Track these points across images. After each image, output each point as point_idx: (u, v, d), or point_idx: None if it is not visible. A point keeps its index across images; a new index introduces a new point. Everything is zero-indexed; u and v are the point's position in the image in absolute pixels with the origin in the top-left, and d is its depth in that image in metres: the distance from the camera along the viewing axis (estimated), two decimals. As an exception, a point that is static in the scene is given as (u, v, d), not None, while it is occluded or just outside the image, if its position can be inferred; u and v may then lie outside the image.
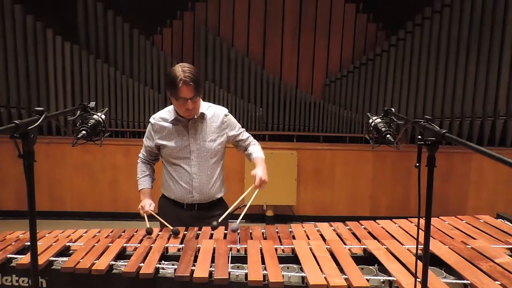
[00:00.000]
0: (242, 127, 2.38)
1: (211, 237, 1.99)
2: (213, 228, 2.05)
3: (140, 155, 2.37)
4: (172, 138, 2.20)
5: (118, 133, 4.72)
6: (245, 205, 2.10)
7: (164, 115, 2.23)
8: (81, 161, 4.70)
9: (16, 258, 1.74)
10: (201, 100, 2.20)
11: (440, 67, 4.58)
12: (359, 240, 1.92)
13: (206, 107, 2.23)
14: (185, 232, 2.07)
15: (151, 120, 2.26)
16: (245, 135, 2.36)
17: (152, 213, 2.17)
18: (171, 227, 2.06)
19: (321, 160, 4.76)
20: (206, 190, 2.23)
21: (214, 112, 2.24)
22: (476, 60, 4.55)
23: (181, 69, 2.02)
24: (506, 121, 4.64)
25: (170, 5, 4.67)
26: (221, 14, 4.67)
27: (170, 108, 2.23)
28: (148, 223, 2.10)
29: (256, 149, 2.34)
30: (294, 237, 1.99)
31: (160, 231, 2.10)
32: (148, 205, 2.19)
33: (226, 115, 2.27)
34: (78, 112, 1.67)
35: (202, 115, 2.19)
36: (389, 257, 1.69)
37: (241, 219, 2.05)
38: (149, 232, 2.04)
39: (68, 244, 1.90)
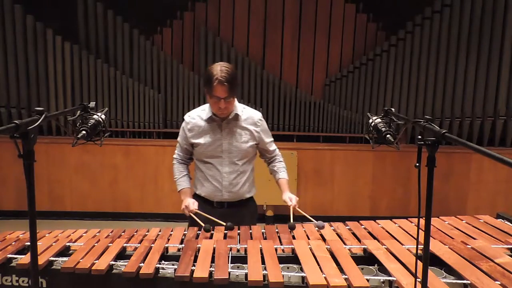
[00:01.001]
0: None
1: (211, 237, 1.99)
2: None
3: (175, 155, 2.38)
4: (205, 136, 2.22)
5: (118, 133, 4.72)
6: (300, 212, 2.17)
7: (200, 113, 2.26)
8: (81, 161, 4.70)
9: (16, 258, 1.74)
10: (236, 101, 2.22)
11: (440, 67, 4.58)
12: (359, 240, 1.92)
13: (241, 109, 2.25)
14: (185, 232, 2.07)
15: (186, 118, 2.28)
16: (273, 146, 2.38)
17: (198, 211, 2.16)
18: (223, 223, 2.05)
19: (321, 160, 4.76)
20: (235, 190, 2.25)
21: (249, 114, 2.26)
22: (476, 60, 4.55)
23: (219, 68, 2.04)
24: (506, 121, 4.64)
25: (170, 5, 4.67)
26: (221, 14, 4.67)
27: (206, 106, 2.24)
28: (200, 222, 2.09)
29: (281, 169, 2.36)
30: (294, 237, 1.99)
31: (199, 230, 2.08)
32: (192, 203, 2.20)
33: (260, 120, 2.29)
34: (78, 112, 1.67)
35: (236, 116, 2.21)
36: (389, 257, 1.69)
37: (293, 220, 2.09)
38: (207, 229, 2.01)
39: (68, 244, 1.90)
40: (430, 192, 1.22)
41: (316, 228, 2.02)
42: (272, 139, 2.39)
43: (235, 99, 2.21)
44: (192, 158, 2.38)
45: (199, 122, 2.23)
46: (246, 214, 2.31)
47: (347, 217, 4.37)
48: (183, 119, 2.30)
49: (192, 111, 2.32)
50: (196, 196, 2.34)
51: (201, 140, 2.22)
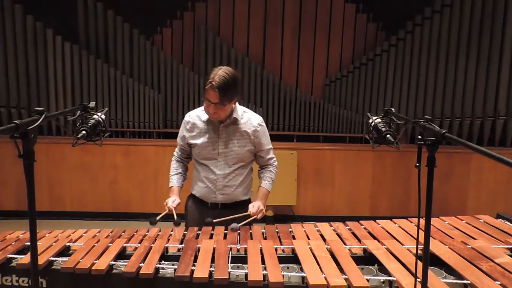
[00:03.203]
0: None
1: (211, 237, 1.99)
2: (207, 224, 2.07)
3: (174, 153, 2.40)
4: (202, 137, 2.22)
5: (118, 133, 4.72)
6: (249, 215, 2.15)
7: (199, 114, 2.25)
8: (81, 161, 4.69)
9: (16, 258, 1.74)
10: (237, 104, 2.20)
11: (440, 67, 4.58)
12: (359, 240, 1.92)
13: (241, 112, 2.23)
14: (185, 232, 2.06)
15: (186, 117, 2.28)
16: (270, 154, 2.33)
17: (172, 208, 2.16)
18: (177, 220, 2.07)
19: (321, 160, 4.76)
20: (229, 192, 2.24)
21: (248, 119, 2.24)
22: (476, 60, 4.54)
23: (218, 72, 2.03)
24: (506, 121, 4.64)
25: (170, 5, 4.67)
26: (221, 14, 4.67)
27: None
28: (175, 216, 2.11)
29: (267, 178, 2.32)
30: (294, 237, 1.99)
31: (186, 230, 2.10)
32: (171, 201, 2.19)
33: (260, 125, 2.26)
34: (78, 112, 1.67)
35: (235, 120, 2.19)
36: (389, 257, 1.69)
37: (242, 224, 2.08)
38: (177, 223, 2.05)
39: (68, 244, 1.90)
40: (430, 192, 1.22)
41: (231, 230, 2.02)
42: (271, 147, 2.34)
43: (234, 104, 2.18)
44: (191, 157, 2.38)
45: (198, 123, 2.23)
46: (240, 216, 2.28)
47: (347, 217, 4.36)
48: (183, 119, 2.30)
49: (193, 111, 2.31)
50: (192, 197, 2.34)
51: (198, 141, 2.22)
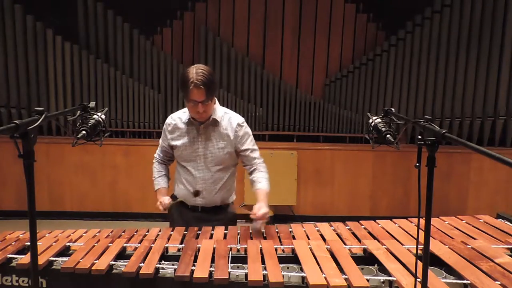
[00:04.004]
0: None
1: (211, 237, 1.99)
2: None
3: (155, 155, 2.38)
4: (183, 139, 2.20)
5: (118, 133, 4.72)
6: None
7: (181, 115, 2.24)
8: (81, 161, 4.70)
9: (16, 258, 1.74)
10: (217, 105, 2.18)
11: (440, 67, 4.58)
12: (359, 240, 1.92)
13: (222, 113, 2.20)
14: (185, 232, 2.07)
15: (168, 119, 2.27)
16: (254, 154, 2.24)
17: (171, 201, 2.22)
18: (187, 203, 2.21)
19: (321, 160, 4.76)
20: (209, 196, 2.22)
21: (228, 120, 2.20)
22: (476, 60, 4.54)
23: (195, 71, 2.00)
24: (506, 121, 4.64)
25: (170, 5, 4.67)
26: (221, 14, 4.67)
27: (187, 108, 2.20)
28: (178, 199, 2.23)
29: (261, 179, 2.20)
30: (294, 237, 1.99)
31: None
32: (166, 199, 2.21)
33: (240, 125, 2.20)
34: (78, 112, 1.67)
35: (215, 121, 2.16)
36: (389, 257, 1.69)
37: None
38: (174, 197, 2.14)
39: (68, 244, 1.90)
40: (430, 192, 1.22)
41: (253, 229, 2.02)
42: (255, 148, 2.25)
43: (216, 103, 2.17)
44: (172, 159, 2.37)
45: (179, 124, 2.21)
46: (221, 220, 2.24)
47: (347, 217, 4.36)
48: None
49: (175, 112, 2.29)
50: (173, 197, 2.34)
51: (178, 143, 2.21)
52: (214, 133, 2.18)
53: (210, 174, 2.20)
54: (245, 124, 2.24)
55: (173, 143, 2.23)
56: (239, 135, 2.20)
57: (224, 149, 2.19)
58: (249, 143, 2.23)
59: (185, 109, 2.22)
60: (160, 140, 2.34)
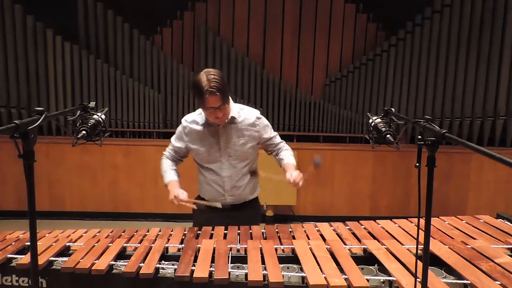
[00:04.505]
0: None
1: (211, 237, 1.99)
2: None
3: (165, 152, 2.35)
4: (202, 142, 2.19)
5: (118, 133, 4.72)
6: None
7: (196, 118, 2.22)
8: (81, 161, 4.70)
9: (16, 258, 1.74)
10: (231, 103, 2.17)
11: (440, 67, 4.58)
12: (359, 240, 1.92)
13: (237, 110, 2.21)
14: (185, 232, 2.06)
15: (183, 122, 2.26)
16: (277, 139, 2.34)
17: (189, 200, 2.13)
18: (218, 204, 2.15)
19: (321, 160, 4.76)
20: (238, 193, 2.24)
21: (245, 115, 2.22)
22: (476, 60, 4.55)
23: (207, 78, 1.98)
24: (506, 121, 4.64)
25: (170, 5, 4.67)
26: (221, 14, 4.67)
27: (202, 110, 2.18)
28: (194, 206, 2.15)
29: (287, 155, 2.30)
30: (294, 237, 1.99)
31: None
32: (181, 193, 2.13)
33: (258, 118, 2.24)
34: (78, 112, 1.67)
35: (233, 119, 2.17)
36: (389, 257, 1.69)
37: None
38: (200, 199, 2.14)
39: (68, 244, 1.90)
40: (430, 192, 1.22)
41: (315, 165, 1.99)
42: (276, 133, 2.34)
43: (231, 102, 2.16)
44: (182, 160, 2.36)
45: (196, 127, 2.21)
46: (250, 215, 2.29)
47: (347, 217, 4.36)
48: (180, 122, 2.28)
49: (189, 115, 2.28)
50: (200, 199, 2.32)
51: (198, 146, 2.20)
52: (233, 131, 2.19)
53: (236, 171, 2.21)
54: (261, 115, 2.29)
55: (192, 146, 2.22)
56: (260, 127, 2.25)
57: (246, 144, 2.21)
58: (270, 131, 2.32)
59: (200, 111, 2.21)
60: (173, 141, 2.31)
